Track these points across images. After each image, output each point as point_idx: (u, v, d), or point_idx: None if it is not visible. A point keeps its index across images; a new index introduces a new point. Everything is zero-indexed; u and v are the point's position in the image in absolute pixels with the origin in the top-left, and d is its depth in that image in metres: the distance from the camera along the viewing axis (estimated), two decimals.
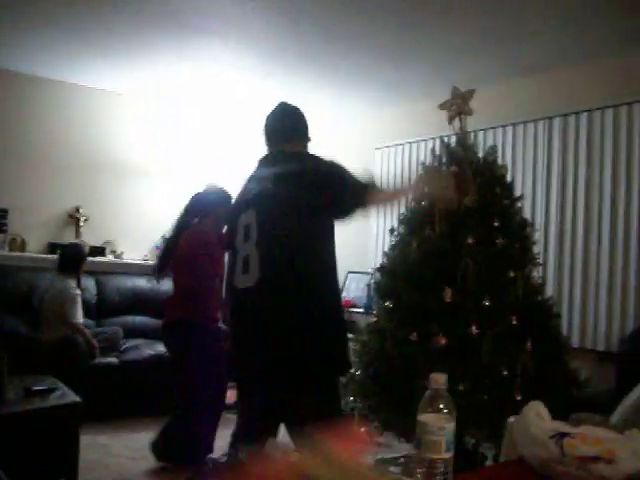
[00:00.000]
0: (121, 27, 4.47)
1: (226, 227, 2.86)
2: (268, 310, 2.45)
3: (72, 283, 4.90)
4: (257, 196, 2.55)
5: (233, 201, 2.81)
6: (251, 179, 2.67)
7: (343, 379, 3.36)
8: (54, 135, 5.86)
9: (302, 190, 2.46)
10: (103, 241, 6.01)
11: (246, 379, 2.62)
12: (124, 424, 4.56)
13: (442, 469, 1.16)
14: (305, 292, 2.45)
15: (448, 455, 1.16)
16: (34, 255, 5.62)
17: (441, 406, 1.16)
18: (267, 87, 5.63)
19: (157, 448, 3.89)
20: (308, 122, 2.78)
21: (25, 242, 5.62)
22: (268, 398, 2.49)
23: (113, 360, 4.86)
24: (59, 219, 5.89)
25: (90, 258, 5.65)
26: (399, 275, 3.54)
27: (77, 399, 3.40)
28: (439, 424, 1.15)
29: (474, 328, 3.26)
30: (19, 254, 5.55)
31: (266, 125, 2.76)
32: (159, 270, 4.02)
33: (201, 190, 4.15)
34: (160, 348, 4.95)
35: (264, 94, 5.77)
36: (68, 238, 5.78)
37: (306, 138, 2.76)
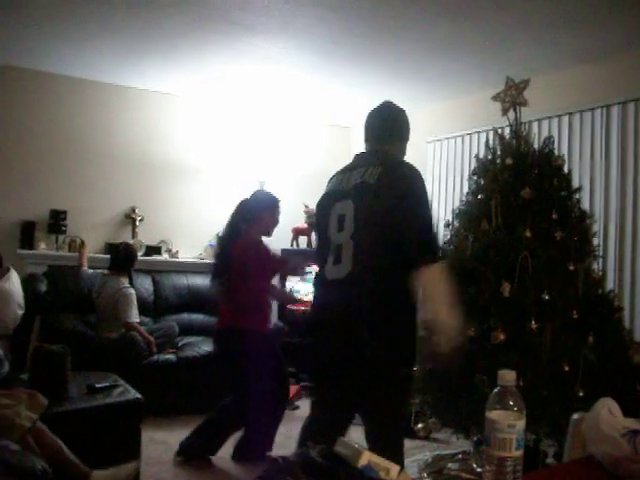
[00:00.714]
0: (174, 29, 4.53)
1: (316, 216, 2.82)
2: (355, 304, 2.43)
3: (125, 282, 5.00)
4: (356, 188, 2.52)
5: (326, 190, 2.73)
6: (347, 171, 2.65)
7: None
8: (110, 138, 5.99)
9: (394, 193, 2.45)
10: (158, 240, 6.12)
11: (323, 372, 2.60)
12: (181, 420, 4.62)
13: (512, 467, 1.13)
14: (392, 290, 2.43)
15: (518, 453, 1.13)
16: (92, 255, 5.75)
17: (510, 403, 1.14)
18: (316, 83, 5.63)
19: (186, 446, 3.99)
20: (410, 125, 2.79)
21: (84, 242, 5.76)
22: (346, 393, 2.49)
23: (171, 357, 4.93)
24: (116, 220, 6.02)
25: (146, 257, 5.78)
26: (455, 270, 3.49)
27: (138, 395, 3.46)
28: (508, 422, 1.12)
29: (533, 323, 3.21)
30: (78, 254, 5.69)
31: (370, 122, 2.77)
32: (214, 278, 4.08)
33: (248, 196, 4.15)
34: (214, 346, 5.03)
35: (313, 90, 5.78)
36: (125, 238, 5.90)
37: (406, 141, 2.78)
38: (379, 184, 2.46)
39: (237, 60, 5.17)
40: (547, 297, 3.26)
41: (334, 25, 4.36)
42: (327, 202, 2.64)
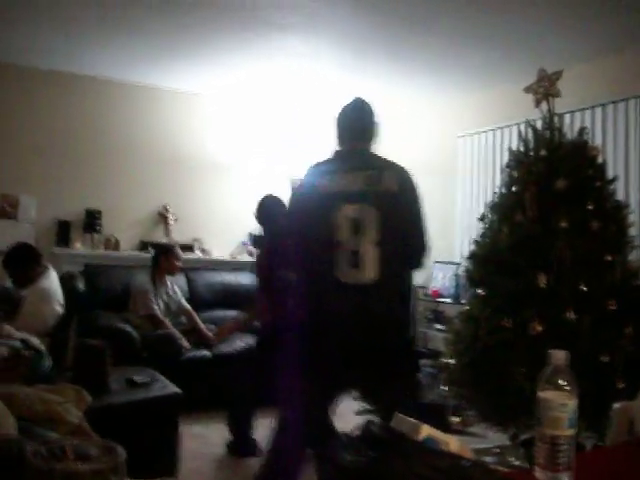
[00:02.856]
0: (204, 29, 4.58)
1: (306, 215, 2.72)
2: (381, 309, 2.52)
3: (146, 278, 5.14)
4: (377, 194, 2.53)
5: (313, 192, 2.69)
6: (346, 171, 2.64)
7: None
8: (143, 138, 6.08)
9: (408, 198, 2.63)
10: (191, 238, 6.19)
11: (332, 369, 2.60)
12: (218, 415, 4.67)
13: (564, 446, 1.14)
14: (407, 295, 2.65)
15: (570, 432, 1.14)
16: (127, 254, 5.84)
17: (562, 382, 1.15)
18: (345, 79, 5.64)
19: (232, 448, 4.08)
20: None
21: (118, 241, 5.85)
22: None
23: (206, 353, 4.99)
24: (149, 218, 6.10)
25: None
26: (491, 262, 3.49)
27: (177, 390, 3.52)
28: (561, 400, 1.13)
29: (571, 314, 3.20)
30: (113, 253, 5.79)
31: (352, 120, 2.76)
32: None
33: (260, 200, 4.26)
34: (250, 341, 5.06)
35: (343, 86, 5.79)
36: (158, 237, 5.98)
37: (376, 138, 2.80)
38: (401, 191, 2.57)
39: (266, 58, 5.19)
40: (584, 288, 3.24)
41: (363, 20, 4.36)
42: (329, 203, 2.57)
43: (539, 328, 3.19)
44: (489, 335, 3.34)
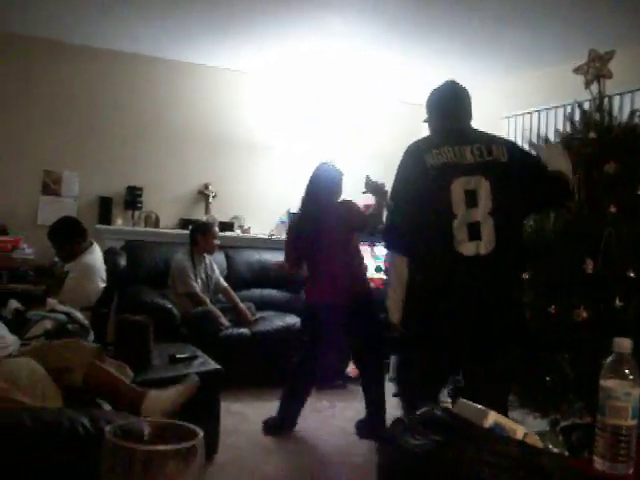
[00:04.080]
0: (247, 7, 4.57)
1: (419, 195, 2.70)
2: (501, 279, 2.59)
3: (185, 255, 5.18)
4: (487, 165, 2.56)
5: (420, 165, 2.67)
6: (453, 145, 2.63)
7: None
8: (184, 116, 6.10)
9: (519, 169, 2.67)
10: (231, 216, 6.22)
11: (442, 339, 2.62)
12: (255, 393, 4.72)
13: (626, 436, 1.12)
14: (521, 265, 2.82)
15: (633, 422, 1.12)
16: (167, 231, 5.90)
17: (626, 371, 1.12)
18: (386, 58, 5.57)
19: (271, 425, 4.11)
20: None
21: (159, 218, 5.90)
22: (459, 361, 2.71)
23: (245, 331, 5.02)
24: (190, 196, 6.14)
25: (219, 233, 5.89)
26: (537, 247, 3.43)
27: (218, 366, 3.54)
28: (624, 390, 1.10)
29: (618, 300, 3.14)
30: (153, 230, 5.85)
31: (441, 101, 2.85)
32: None
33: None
34: (289, 320, 5.09)
35: (384, 66, 5.73)
36: (199, 215, 6.02)
37: (471, 118, 2.89)
38: (511, 163, 2.59)
39: (308, 36, 5.16)
40: (632, 275, 3.17)
41: (404, 0, 4.29)
42: (440, 175, 2.58)
43: (584, 315, 3.13)
44: (533, 321, 3.29)
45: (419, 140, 2.82)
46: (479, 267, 2.52)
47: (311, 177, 4.06)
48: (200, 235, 5.24)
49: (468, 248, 2.50)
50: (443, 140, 2.68)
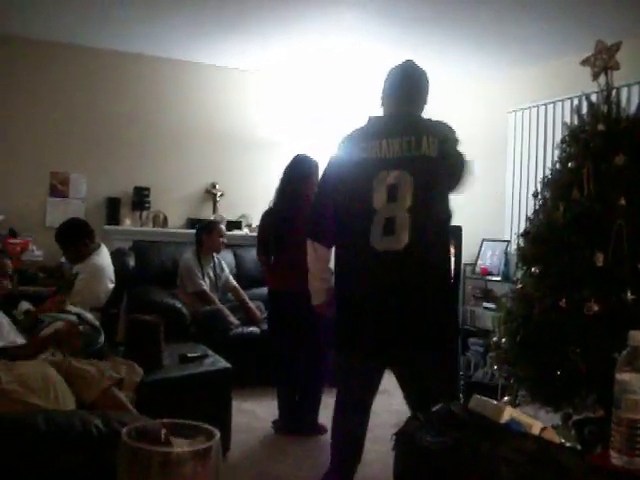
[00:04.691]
0: (256, 4, 4.55)
1: (345, 188, 2.66)
2: (414, 275, 2.49)
3: (191, 254, 5.19)
4: (413, 160, 2.49)
5: (349, 156, 2.66)
6: (380, 137, 2.58)
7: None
8: (191, 116, 6.11)
9: (449, 164, 2.58)
10: (239, 215, 6.22)
11: (363, 342, 2.58)
12: (266, 391, 4.71)
13: None
14: (442, 262, 2.62)
15: None
16: (175, 230, 5.91)
17: None
18: (394, 54, 5.52)
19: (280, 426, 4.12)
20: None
21: (167, 218, 5.92)
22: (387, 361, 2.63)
23: (254, 329, 5.02)
24: (197, 195, 6.15)
25: (227, 232, 5.89)
26: (546, 240, 3.41)
27: (228, 365, 3.55)
28: None
29: (629, 294, 3.12)
30: (162, 230, 5.87)
31: (397, 83, 2.72)
32: None
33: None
34: None
35: (392, 62, 5.70)
36: (206, 214, 6.03)
37: (425, 102, 2.75)
38: (440, 158, 2.51)
39: (317, 33, 5.15)
40: None
41: None
42: (366, 170, 2.55)
43: (595, 308, 3.10)
44: (543, 314, 3.27)
45: (354, 130, 2.75)
46: (392, 263, 2.46)
47: (284, 169, 4.19)
48: (205, 234, 5.24)
49: (380, 244, 2.46)
50: (376, 132, 2.62)
